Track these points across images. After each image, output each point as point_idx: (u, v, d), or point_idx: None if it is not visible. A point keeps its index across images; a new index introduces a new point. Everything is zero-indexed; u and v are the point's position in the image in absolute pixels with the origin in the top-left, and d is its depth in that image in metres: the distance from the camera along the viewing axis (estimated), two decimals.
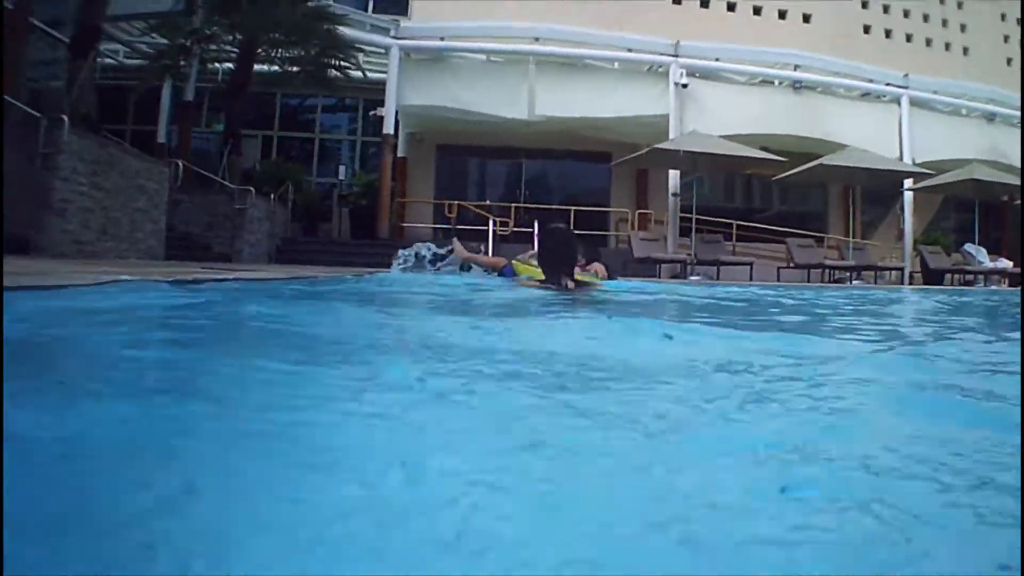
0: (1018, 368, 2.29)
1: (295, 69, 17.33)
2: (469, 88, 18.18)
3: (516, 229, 17.47)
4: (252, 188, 15.38)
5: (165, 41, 16.60)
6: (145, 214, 11.78)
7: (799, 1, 21.94)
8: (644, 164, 17.96)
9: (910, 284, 18.77)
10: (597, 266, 7.77)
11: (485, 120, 18.18)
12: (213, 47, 16.89)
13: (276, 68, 17.43)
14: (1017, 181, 19.08)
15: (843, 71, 19.68)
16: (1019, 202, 19.76)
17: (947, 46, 23.54)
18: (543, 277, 5.88)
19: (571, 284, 5.72)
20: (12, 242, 7.77)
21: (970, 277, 18.98)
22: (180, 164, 14.70)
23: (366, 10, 20.86)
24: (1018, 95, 22.03)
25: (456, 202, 18.65)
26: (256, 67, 16.80)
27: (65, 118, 9.17)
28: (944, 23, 23.70)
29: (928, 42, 23.31)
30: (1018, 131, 21.91)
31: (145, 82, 17.64)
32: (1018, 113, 21.81)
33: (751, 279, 16.74)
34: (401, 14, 20.56)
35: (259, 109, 20.43)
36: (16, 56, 9.91)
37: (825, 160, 16.99)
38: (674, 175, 17.86)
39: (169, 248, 12.52)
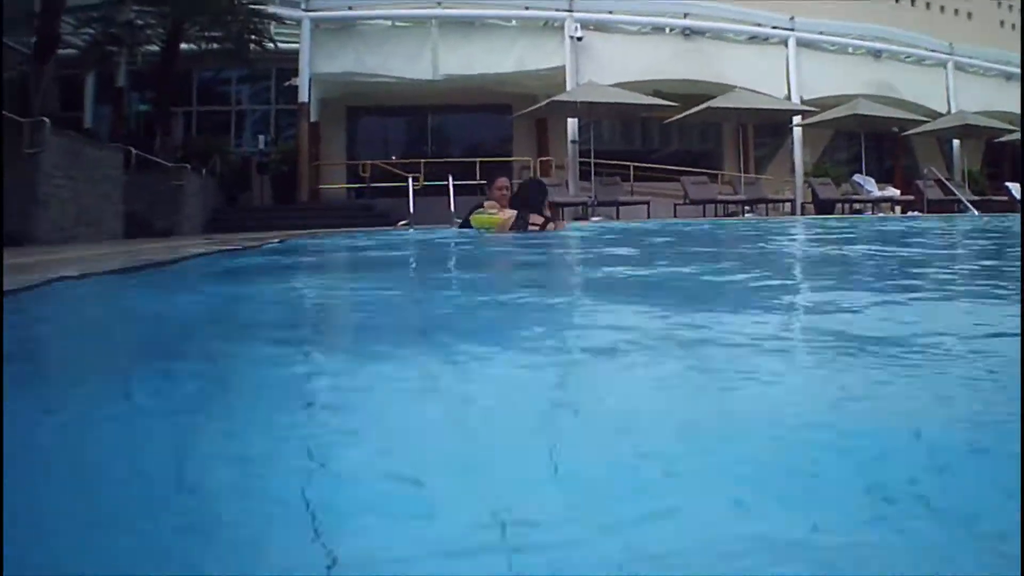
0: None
1: (216, 47, 17.95)
2: (376, 52, 18.91)
3: (427, 183, 18.29)
4: (187, 165, 16.09)
5: (91, 31, 17.08)
6: (107, 198, 12.56)
7: None
8: (543, 115, 18.88)
9: (802, 215, 20.00)
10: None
11: (392, 82, 18.94)
12: (145, 32, 17.49)
13: (195, 47, 17.99)
14: (901, 114, 20.37)
15: (732, 16, 20.70)
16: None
17: None
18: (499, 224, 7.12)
19: (535, 226, 6.97)
20: (9, 234, 8.52)
21: (859, 206, 20.20)
22: (132, 150, 15.42)
23: None
24: (903, 32, 23.34)
25: (368, 162, 19.40)
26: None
27: (47, 120, 10.08)
28: None
29: None
30: (904, 66, 23.26)
31: (85, 72, 18.32)
32: (903, 49, 23.13)
33: (648, 216, 17.82)
34: None
35: (179, 86, 20.95)
36: None
37: (712, 103, 18.08)
38: (572, 123, 18.82)
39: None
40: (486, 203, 8.07)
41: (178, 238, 12.50)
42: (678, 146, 22.77)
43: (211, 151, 19.06)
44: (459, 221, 8.93)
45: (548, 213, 8.23)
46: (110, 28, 16.97)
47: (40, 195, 10.02)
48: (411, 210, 16.16)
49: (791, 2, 22.10)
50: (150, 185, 15.55)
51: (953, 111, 22.41)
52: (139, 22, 17.28)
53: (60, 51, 18.96)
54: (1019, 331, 1.79)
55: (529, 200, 7.43)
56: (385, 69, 18.77)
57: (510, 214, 7.62)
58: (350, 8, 19.33)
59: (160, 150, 16.62)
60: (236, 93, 22.92)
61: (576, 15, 19.03)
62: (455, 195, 16.34)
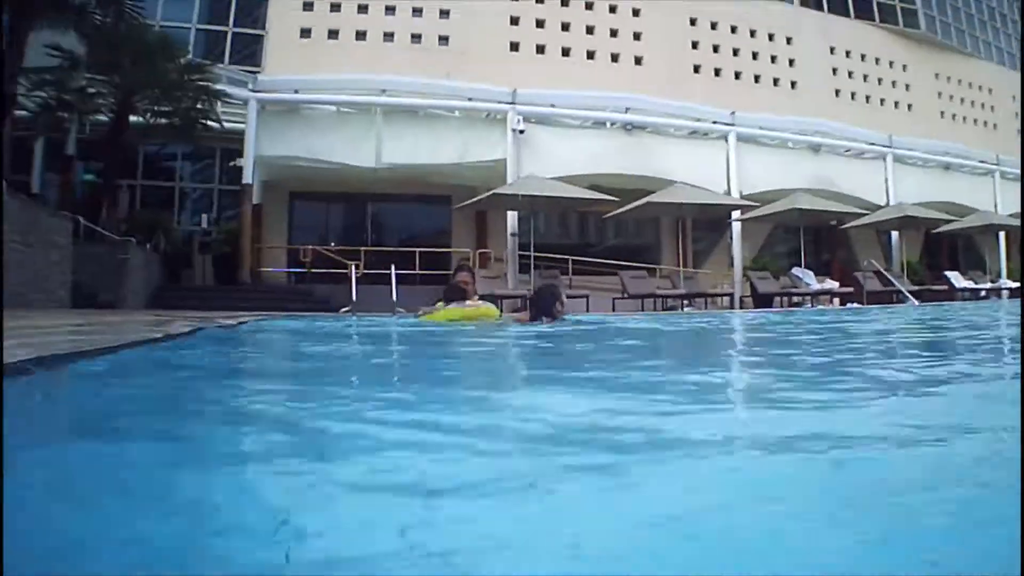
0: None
1: (164, 122, 18.06)
2: (321, 138, 18.98)
3: (366, 272, 18.30)
4: (133, 238, 16.03)
5: (42, 95, 17.03)
6: (57, 266, 12.44)
7: (632, 44, 23.44)
8: (483, 207, 19.02)
9: (740, 308, 20.21)
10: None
11: (336, 168, 19.02)
12: (96, 101, 17.54)
13: (142, 120, 18.07)
14: (840, 208, 20.77)
15: (673, 111, 21.12)
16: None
17: (775, 81, 25.35)
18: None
19: (548, 321, 8.15)
20: None
21: (797, 299, 20.46)
22: (80, 219, 15.32)
23: (222, 62, 21.62)
24: (843, 125, 23.93)
25: (310, 247, 19.38)
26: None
27: (4, 183, 9.83)
28: (773, 59, 25.53)
29: (757, 78, 25.09)
30: (843, 159, 23.81)
31: (37, 135, 18.21)
32: (842, 143, 23.69)
33: (587, 310, 17.90)
34: (255, 66, 21.34)
35: (125, 158, 20.85)
36: None
37: (653, 198, 18.31)
38: (512, 216, 18.97)
39: None
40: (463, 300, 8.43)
41: (126, 312, 12.36)
42: (616, 240, 23.08)
43: (156, 226, 18.99)
44: (427, 309, 8.85)
45: (559, 310, 8.64)
46: (63, 93, 16.99)
47: None
48: (353, 297, 16.16)
49: (731, 97, 22.72)
50: (96, 257, 15.44)
51: (892, 203, 22.90)
52: (91, 90, 17.37)
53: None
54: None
55: (542, 307, 8.28)
56: (329, 155, 18.85)
57: (471, 310, 8.14)
58: (296, 91, 19.48)
59: (106, 221, 16.61)
60: (180, 169, 22.89)
61: (519, 108, 19.30)
62: (397, 283, 16.37)
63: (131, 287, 15.75)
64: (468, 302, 8.25)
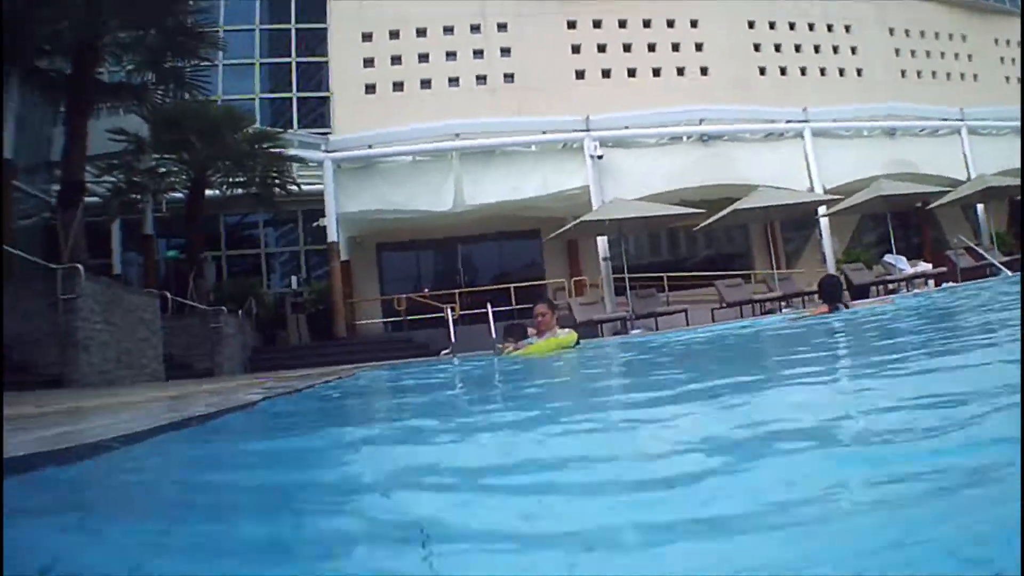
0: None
1: (240, 192, 18.39)
2: (399, 189, 19.22)
3: (463, 312, 18.39)
4: (223, 308, 16.30)
5: (112, 179, 17.44)
6: (146, 342, 12.70)
7: (695, 55, 23.34)
8: (572, 235, 19.02)
9: None
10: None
11: (418, 216, 19.21)
12: (168, 180, 17.86)
13: (218, 192, 18.39)
14: (923, 188, 20.32)
15: (746, 116, 20.96)
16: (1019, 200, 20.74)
17: (841, 72, 25.01)
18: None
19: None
20: (48, 378, 9.08)
21: (893, 286, 20.03)
22: (167, 294, 15.70)
23: (291, 127, 22.05)
24: (914, 105, 23.48)
25: (403, 296, 19.55)
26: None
27: (81, 267, 10.18)
28: (835, 50, 25.21)
29: (823, 71, 24.77)
30: (919, 140, 23.33)
31: (111, 218, 18.61)
32: (915, 123, 23.24)
33: (687, 324, 17.74)
34: (325, 127, 21.69)
35: (207, 231, 21.29)
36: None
37: (738, 205, 18.10)
38: (602, 241, 18.92)
39: None
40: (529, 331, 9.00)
41: (225, 378, 12.58)
42: (708, 251, 22.89)
43: (245, 293, 19.33)
44: (512, 346, 9.14)
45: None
46: (132, 176, 17.34)
47: (79, 339, 10.04)
48: (453, 339, 16.21)
49: (800, 94, 22.48)
50: (188, 328, 15.84)
51: (972, 176, 22.35)
52: (161, 169, 17.70)
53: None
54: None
55: (835, 296, 9.51)
56: (409, 204, 19.06)
57: (550, 341, 8.51)
58: (370, 147, 19.72)
59: (194, 293, 16.94)
60: (264, 236, 23.29)
61: (593, 134, 19.31)
62: (494, 320, 16.40)
63: (226, 354, 16.01)
64: (546, 334, 8.72)
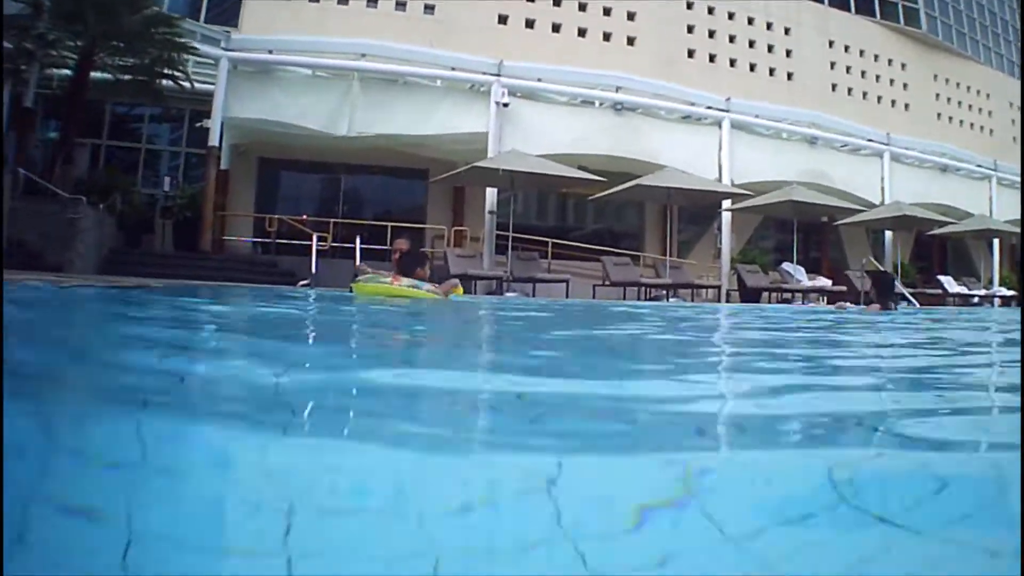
0: None
1: (128, 78, 17.41)
2: (294, 102, 18.01)
3: (334, 244, 17.38)
4: (84, 198, 15.24)
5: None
6: None
7: (624, 24, 22.52)
8: (462, 181, 18.11)
9: (727, 302, 19.38)
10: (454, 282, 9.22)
11: (308, 135, 18.04)
12: (54, 52, 16.78)
13: (109, 76, 17.42)
14: (835, 203, 19.96)
15: (665, 93, 20.23)
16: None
17: (771, 71, 24.54)
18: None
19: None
20: None
21: (787, 295, 19.66)
22: (21, 171, 14.44)
23: (198, 19, 20.59)
24: (839, 120, 23.17)
25: (276, 217, 18.41)
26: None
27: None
28: (770, 48, 24.71)
29: (752, 67, 24.25)
30: (839, 154, 23.03)
31: None
32: (839, 137, 22.92)
33: (567, 296, 17.04)
34: (232, 25, 20.26)
35: (90, 117, 19.83)
36: None
37: (642, 180, 17.43)
38: (491, 193, 18.05)
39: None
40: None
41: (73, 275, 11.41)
42: (598, 224, 22.25)
43: (113, 187, 18.02)
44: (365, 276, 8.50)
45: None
46: (24, 40, 16.14)
47: None
48: (313, 270, 15.25)
49: (724, 84, 21.88)
50: (45, 216, 14.80)
51: (888, 201, 22.15)
52: (51, 36, 16.41)
53: None
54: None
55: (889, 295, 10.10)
56: (302, 120, 17.86)
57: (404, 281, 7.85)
58: (270, 52, 18.47)
59: (58, 179, 15.81)
60: (148, 131, 21.82)
61: (504, 80, 18.36)
62: (363, 258, 15.40)
63: (79, 250, 14.89)
64: (405, 281, 7.93)
